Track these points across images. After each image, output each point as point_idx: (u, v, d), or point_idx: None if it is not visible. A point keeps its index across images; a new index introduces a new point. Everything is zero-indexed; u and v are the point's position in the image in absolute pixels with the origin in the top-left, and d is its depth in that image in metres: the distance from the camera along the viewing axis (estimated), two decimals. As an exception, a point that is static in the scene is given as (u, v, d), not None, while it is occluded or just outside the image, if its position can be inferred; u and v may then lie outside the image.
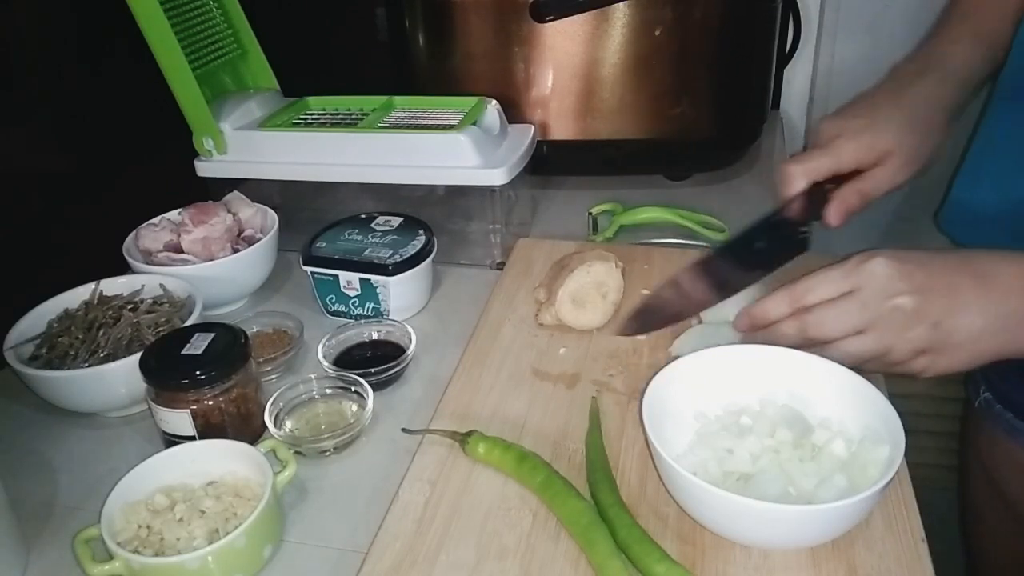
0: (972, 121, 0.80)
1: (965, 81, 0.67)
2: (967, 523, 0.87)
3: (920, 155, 0.63)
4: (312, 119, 0.88)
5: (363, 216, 0.82)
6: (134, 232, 0.81)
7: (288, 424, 0.63)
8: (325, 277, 0.77)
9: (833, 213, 0.62)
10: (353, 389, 0.65)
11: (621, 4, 0.87)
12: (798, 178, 0.62)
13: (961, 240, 0.78)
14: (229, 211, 0.83)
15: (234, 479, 0.56)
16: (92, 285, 0.73)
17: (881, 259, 0.53)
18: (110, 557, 0.51)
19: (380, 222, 0.81)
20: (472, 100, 0.87)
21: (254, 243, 0.79)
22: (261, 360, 0.69)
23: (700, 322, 0.69)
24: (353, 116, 0.88)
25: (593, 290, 0.70)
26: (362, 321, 0.74)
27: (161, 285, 0.74)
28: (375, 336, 0.73)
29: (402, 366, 0.69)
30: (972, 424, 0.82)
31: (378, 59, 1.07)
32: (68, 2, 0.84)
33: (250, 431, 0.63)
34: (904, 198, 1.28)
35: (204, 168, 0.87)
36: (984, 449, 0.80)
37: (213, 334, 0.63)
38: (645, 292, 0.75)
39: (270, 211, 0.84)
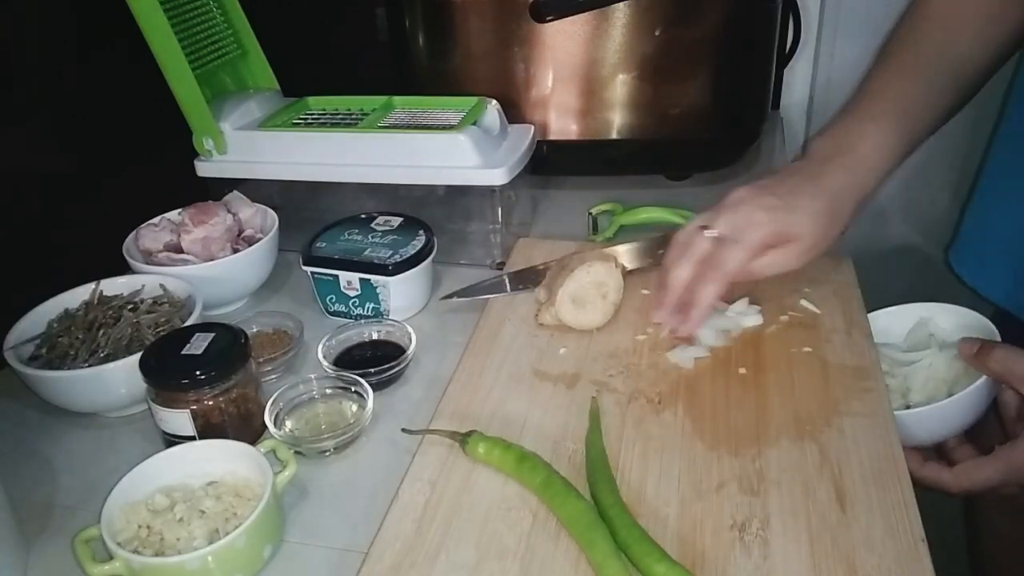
0: (979, 154, 0.79)
1: (878, 166, 0.65)
2: (972, 528, 0.87)
3: (822, 245, 0.63)
4: (312, 119, 0.88)
5: (363, 216, 0.82)
6: (134, 232, 0.81)
7: (288, 424, 0.63)
8: (325, 277, 0.77)
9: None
10: (353, 389, 0.65)
11: (621, 4, 0.87)
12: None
13: (970, 282, 0.78)
14: (229, 211, 0.83)
15: (234, 479, 0.56)
16: (92, 285, 0.73)
17: None
18: (110, 557, 0.51)
19: (380, 222, 0.81)
20: (472, 100, 0.87)
21: (254, 243, 0.79)
22: (261, 360, 0.69)
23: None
24: (353, 116, 0.88)
25: (593, 290, 0.70)
26: (362, 321, 0.74)
27: (161, 285, 0.74)
28: (375, 336, 0.73)
29: (402, 366, 0.69)
30: None
31: (378, 59, 1.07)
32: (68, 2, 0.84)
33: (250, 431, 0.63)
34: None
35: (204, 168, 0.87)
36: None
37: (213, 334, 0.63)
38: (645, 292, 0.75)
39: (270, 211, 0.84)
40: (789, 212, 0.62)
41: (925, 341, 0.73)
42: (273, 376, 0.71)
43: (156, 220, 0.83)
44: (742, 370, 0.65)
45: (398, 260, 0.74)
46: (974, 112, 0.72)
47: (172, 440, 0.61)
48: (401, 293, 0.76)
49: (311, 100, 0.93)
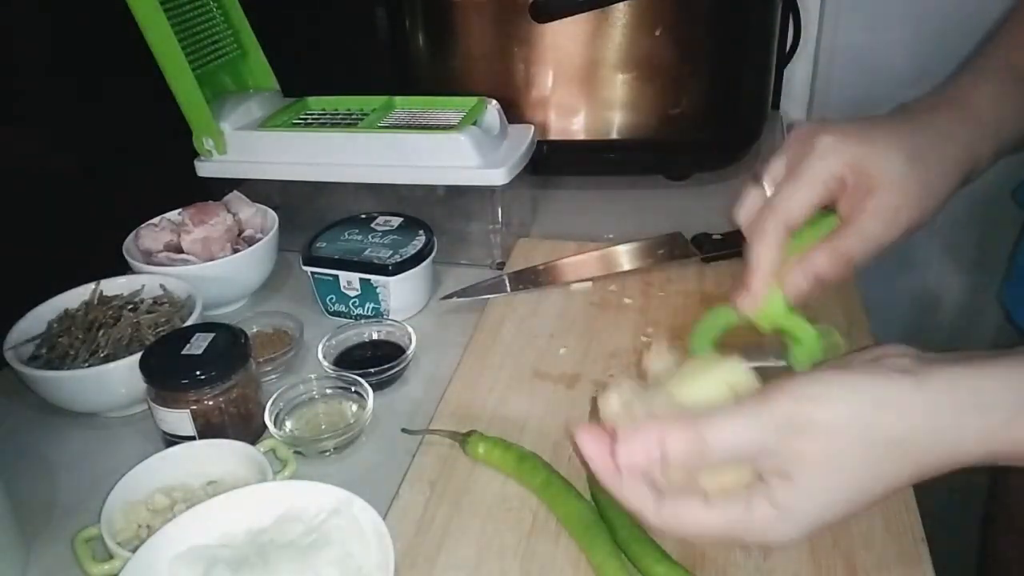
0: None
1: (994, 123, 0.49)
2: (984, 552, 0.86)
3: (924, 199, 0.46)
4: (312, 119, 0.88)
5: (363, 216, 0.82)
6: (134, 232, 0.81)
7: (288, 424, 0.63)
8: (325, 277, 0.77)
9: (793, 281, 0.46)
10: (353, 389, 0.65)
11: (621, 4, 0.87)
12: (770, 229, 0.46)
13: (1021, 322, 0.73)
14: (229, 211, 0.83)
15: (234, 479, 0.56)
16: (92, 285, 0.73)
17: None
18: (110, 557, 0.51)
19: (380, 222, 0.81)
20: (472, 100, 0.87)
21: (254, 243, 0.79)
22: (261, 360, 0.69)
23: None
24: (353, 116, 0.88)
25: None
26: (362, 321, 0.74)
27: (161, 285, 0.74)
28: (375, 336, 0.73)
29: (402, 366, 0.69)
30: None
31: (378, 59, 1.07)
32: (69, 2, 0.84)
33: (250, 431, 0.63)
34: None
35: (204, 168, 0.87)
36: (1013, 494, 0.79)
37: (213, 334, 0.63)
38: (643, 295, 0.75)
39: (270, 211, 0.84)
40: (866, 144, 0.45)
41: None
42: (273, 376, 0.71)
43: (156, 220, 0.83)
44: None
45: (398, 260, 0.74)
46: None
47: (172, 440, 0.61)
48: (401, 293, 0.76)
49: (311, 100, 0.93)
